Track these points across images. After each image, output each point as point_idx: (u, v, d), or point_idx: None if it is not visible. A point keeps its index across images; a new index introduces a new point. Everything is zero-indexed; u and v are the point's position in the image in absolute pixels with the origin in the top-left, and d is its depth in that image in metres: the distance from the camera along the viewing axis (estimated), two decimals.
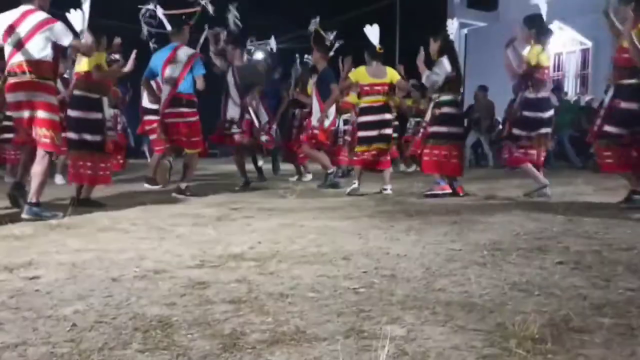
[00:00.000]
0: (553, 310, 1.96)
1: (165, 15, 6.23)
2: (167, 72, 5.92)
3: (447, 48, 5.77)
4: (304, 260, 2.82)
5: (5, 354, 1.60)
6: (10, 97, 4.34)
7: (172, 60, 5.89)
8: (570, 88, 15.44)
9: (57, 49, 4.36)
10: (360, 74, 6.19)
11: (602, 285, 2.29)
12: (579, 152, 10.60)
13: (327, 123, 6.94)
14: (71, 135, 5.08)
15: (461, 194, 5.60)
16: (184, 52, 5.94)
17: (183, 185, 6.04)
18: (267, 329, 1.79)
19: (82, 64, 5.10)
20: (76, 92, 5.16)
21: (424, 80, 5.81)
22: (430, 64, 5.76)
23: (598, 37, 14.37)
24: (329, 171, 6.98)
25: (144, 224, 4.11)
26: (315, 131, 6.96)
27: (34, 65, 4.22)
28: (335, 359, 1.54)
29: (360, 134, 6.27)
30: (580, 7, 14.43)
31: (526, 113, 5.30)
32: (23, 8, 4.28)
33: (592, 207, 4.67)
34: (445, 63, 5.60)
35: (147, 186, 6.89)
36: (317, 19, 7.51)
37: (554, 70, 15.93)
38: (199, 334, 1.76)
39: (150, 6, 6.31)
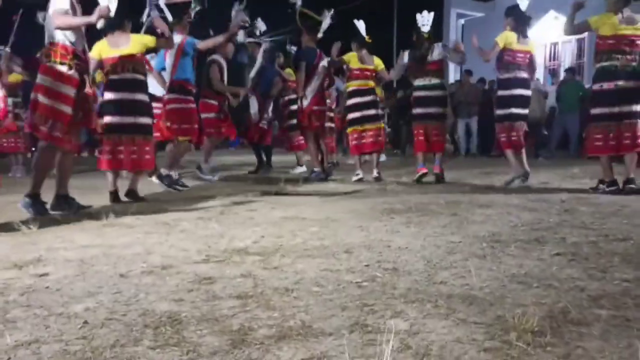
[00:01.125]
0: (551, 302, 1.99)
1: (167, 5, 6.20)
2: (167, 60, 5.96)
3: (420, 37, 6.29)
4: (307, 254, 2.84)
5: (19, 352, 1.63)
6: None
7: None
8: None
9: None
10: (352, 58, 6.67)
11: (598, 277, 2.32)
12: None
13: (305, 103, 6.85)
14: (112, 118, 4.92)
15: (438, 172, 6.19)
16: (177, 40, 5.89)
17: (164, 171, 5.95)
18: (274, 324, 1.82)
19: (125, 48, 4.88)
20: (118, 76, 4.90)
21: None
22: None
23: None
24: (315, 169, 6.93)
25: (148, 218, 4.13)
26: (294, 108, 7.25)
27: None
28: (342, 354, 1.57)
29: (351, 115, 6.80)
30: None
31: (500, 92, 5.87)
32: None
33: (589, 197, 4.70)
34: (405, 56, 6.40)
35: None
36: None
37: (550, 60, 15.93)
38: (207, 330, 1.79)
39: None
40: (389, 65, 7.69)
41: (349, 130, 6.91)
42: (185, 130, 5.96)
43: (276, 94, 8.34)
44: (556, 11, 14.96)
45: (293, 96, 7.64)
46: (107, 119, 4.94)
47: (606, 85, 4.95)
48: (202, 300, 2.09)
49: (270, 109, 8.25)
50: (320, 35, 7.06)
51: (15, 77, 8.29)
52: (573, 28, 5.24)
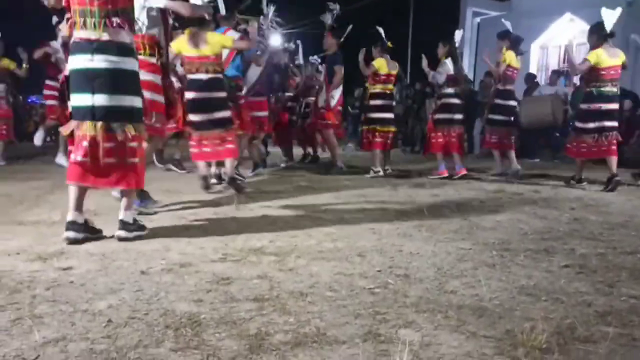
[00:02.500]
0: (559, 317, 2.01)
1: None
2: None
3: (452, 53, 6.82)
4: (321, 256, 2.88)
5: (48, 350, 1.68)
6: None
7: None
8: (578, 80, 15.26)
9: None
10: (382, 64, 6.99)
11: (606, 292, 2.34)
12: None
13: (333, 103, 7.32)
14: (193, 117, 5.07)
15: (460, 174, 6.65)
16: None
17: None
18: (289, 330, 1.86)
19: (206, 48, 4.95)
20: (195, 76, 5.01)
21: (430, 78, 7.03)
22: (435, 63, 6.93)
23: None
24: (338, 163, 7.47)
25: (166, 212, 4.19)
26: (323, 111, 7.32)
27: None
28: None
29: (375, 115, 7.08)
30: (591, 0, 14.24)
31: (497, 101, 6.88)
32: None
33: (598, 205, 4.70)
34: (449, 64, 6.74)
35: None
36: (337, 7, 7.48)
37: (564, 62, 15.78)
38: (226, 333, 1.83)
39: None
40: (404, 62, 7.94)
41: (366, 127, 7.17)
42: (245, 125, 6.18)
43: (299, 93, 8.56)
44: (572, 13, 14.83)
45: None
46: (190, 116, 5.11)
47: (593, 106, 5.86)
48: (220, 302, 2.14)
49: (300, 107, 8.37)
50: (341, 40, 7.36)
51: (5, 62, 7.99)
52: (578, 70, 6.08)
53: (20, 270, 2.51)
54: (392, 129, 7.17)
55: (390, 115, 7.16)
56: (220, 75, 5.11)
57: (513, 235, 3.46)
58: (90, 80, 3.00)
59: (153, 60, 4.08)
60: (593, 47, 5.91)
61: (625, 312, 2.09)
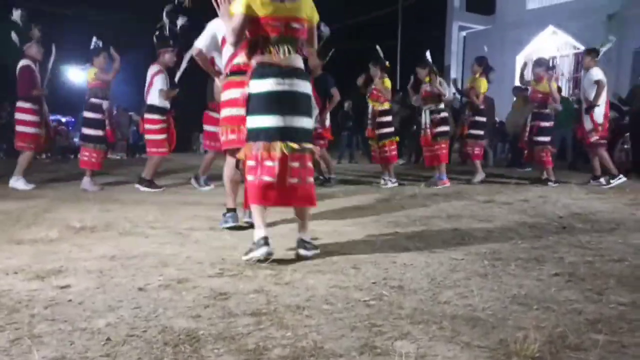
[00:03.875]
0: (551, 326, 2.02)
1: None
2: None
3: (434, 72, 7.37)
4: (317, 269, 2.88)
5: None
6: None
7: None
8: (564, 90, 15.42)
9: None
10: (389, 83, 7.48)
11: (595, 299, 2.35)
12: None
13: (327, 123, 7.46)
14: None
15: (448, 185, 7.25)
16: None
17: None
18: (287, 344, 1.86)
19: None
20: None
21: (413, 102, 7.96)
22: (418, 88, 7.61)
23: (591, 42, 14.37)
24: (332, 175, 7.67)
25: (162, 227, 4.18)
26: (320, 131, 7.22)
27: None
28: None
29: (387, 130, 7.52)
30: (574, 12, 14.43)
31: (477, 118, 7.82)
32: None
33: (585, 213, 4.73)
34: (443, 83, 7.46)
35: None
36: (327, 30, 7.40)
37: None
38: (225, 348, 1.82)
39: None
40: (394, 76, 8.16)
41: (383, 142, 7.50)
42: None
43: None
44: (555, 26, 15.02)
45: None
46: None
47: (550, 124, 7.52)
48: (218, 317, 2.13)
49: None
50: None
51: None
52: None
53: (19, 290, 2.49)
54: (397, 139, 7.74)
55: (391, 130, 7.60)
56: None
57: (504, 244, 3.47)
58: (280, 102, 3.07)
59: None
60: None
61: (614, 319, 2.10)
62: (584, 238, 3.63)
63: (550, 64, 8.13)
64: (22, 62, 6.54)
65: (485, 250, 3.30)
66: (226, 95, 3.91)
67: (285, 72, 3.07)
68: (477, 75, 7.73)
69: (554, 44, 15.57)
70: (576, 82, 15.15)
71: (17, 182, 6.54)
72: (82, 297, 2.38)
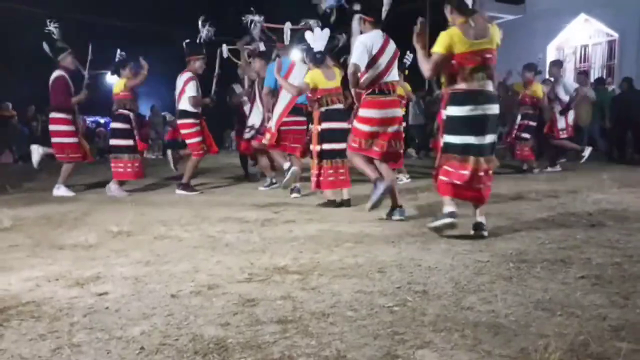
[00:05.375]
0: (573, 333, 2.00)
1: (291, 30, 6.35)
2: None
3: None
4: (342, 273, 2.91)
5: None
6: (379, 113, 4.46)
7: (291, 73, 5.99)
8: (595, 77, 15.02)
9: None
10: (407, 87, 7.78)
11: (621, 304, 2.32)
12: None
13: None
14: (326, 146, 5.22)
15: None
16: (301, 67, 6.01)
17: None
18: (311, 353, 1.90)
19: (336, 81, 5.26)
20: (341, 106, 5.31)
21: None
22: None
23: (624, 29, 13.94)
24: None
25: (195, 229, 4.27)
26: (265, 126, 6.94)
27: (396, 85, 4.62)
28: None
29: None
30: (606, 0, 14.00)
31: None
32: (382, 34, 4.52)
33: (616, 209, 4.62)
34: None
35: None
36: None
37: (580, 62, 15.54)
38: (251, 357, 1.87)
39: (257, 18, 6.76)
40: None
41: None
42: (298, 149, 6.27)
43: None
44: (586, 13, 14.59)
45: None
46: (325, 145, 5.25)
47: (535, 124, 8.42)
48: (245, 325, 2.18)
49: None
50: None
51: None
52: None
53: (60, 297, 2.60)
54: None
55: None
56: (343, 107, 5.38)
57: (530, 245, 3.43)
58: (474, 125, 3.58)
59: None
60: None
61: (639, 326, 2.07)
62: (613, 237, 3.57)
63: (537, 69, 8.36)
64: (56, 73, 6.64)
65: (511, 251, 3.28)
66: (365, 112, 4.44)
67: (480, 99, 3.55)
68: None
69: (585, 33, 15.14)
70: (610, 70, 14.73)
71: (59, 191, 6.73)
72: (119, 305, 2.47)
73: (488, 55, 3.58)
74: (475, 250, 3.33)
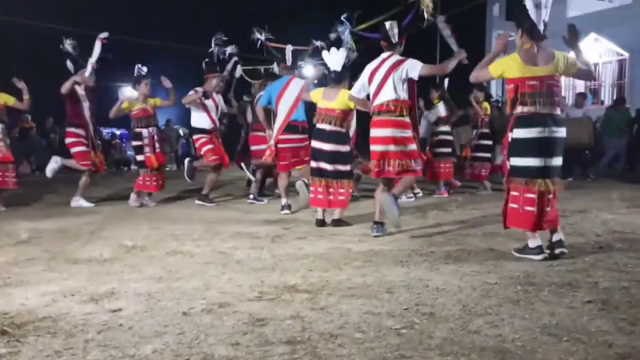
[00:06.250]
0: None
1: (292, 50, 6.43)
2: (282, 102, 6.01)
3: (443, 96, 7.76)
4: (351, 293, 2.92)
5: None
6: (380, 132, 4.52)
7: (286, 90, 6.01)
8: (607, 97, 14.99)
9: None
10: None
11: (628, 330, 2.31)
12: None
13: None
14: (313, 164, 5.20)
15: (447, 195, 7.62)
16: (296, 84, 6.02)
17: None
18: None
19: (333, 102, 5.12)
20: (327, 127, 5.13)
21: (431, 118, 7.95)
22: (430, 106, 7.91)
23: (634, 48, 13.92)
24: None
25: (207, 245, 4.31)
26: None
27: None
28: None
29: (442, 149, 7.88)
30: (616, 19, 14.01)
31: (442, 137, 7.88)
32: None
33: (625, 231, 4.60)
34: (440, 107, 7.73)
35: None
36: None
37: (591, 81, 15.50)
38: None
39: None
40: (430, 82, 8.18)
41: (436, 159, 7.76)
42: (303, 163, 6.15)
43: None
44: (596, 33, 14.59)
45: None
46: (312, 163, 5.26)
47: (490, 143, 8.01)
48: (255, 345, 2.20)
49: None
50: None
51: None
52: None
53: (75, 313, 2.64)
54: None
55: None
56: (342, 130, 5.18)
57: (538, 267, 3.43)
58: (541, 147, 3.61)
59: (407, 120, 4.52)
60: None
61: None
62: (621, 260, 3.55)
63: (484, 84, 8.37)
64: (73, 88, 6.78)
65: (519, 273, 3.27)
66: (376, 132, 4.51)
67: (545, 122, 3.59)
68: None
69: (596, 51, 15.12)
70: (620, 89, 14.68)
71: (78, 202, 6.83)
72: (132, 322, 2.51)
73: (550, 82, 3.61)
74: (483, 272, 3.33)
